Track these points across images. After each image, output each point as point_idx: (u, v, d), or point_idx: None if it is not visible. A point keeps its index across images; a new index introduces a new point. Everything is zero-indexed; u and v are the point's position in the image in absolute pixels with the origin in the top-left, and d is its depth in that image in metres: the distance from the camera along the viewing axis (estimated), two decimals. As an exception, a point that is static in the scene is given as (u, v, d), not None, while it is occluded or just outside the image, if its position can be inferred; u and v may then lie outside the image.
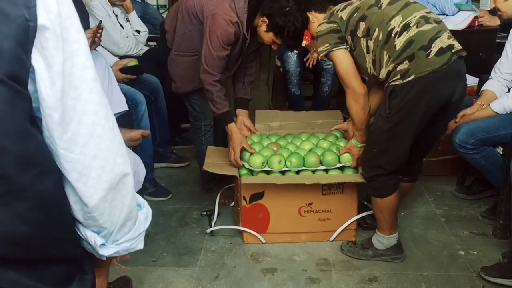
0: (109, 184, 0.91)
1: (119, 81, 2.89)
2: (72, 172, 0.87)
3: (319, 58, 2.47)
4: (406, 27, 2.20)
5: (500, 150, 2.71)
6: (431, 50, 2.15)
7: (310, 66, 3.73)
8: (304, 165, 2.64)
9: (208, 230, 2.77)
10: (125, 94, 2.70)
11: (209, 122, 2.98)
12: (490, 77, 2.84)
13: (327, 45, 2.36)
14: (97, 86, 0.88)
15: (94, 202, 0.90)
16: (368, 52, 2.31)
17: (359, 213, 2.70)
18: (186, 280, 2.41)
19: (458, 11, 3.95)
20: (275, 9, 2.57)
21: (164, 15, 4.74)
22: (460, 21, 3.78)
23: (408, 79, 2.16)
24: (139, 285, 2.37)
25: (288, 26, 2.56)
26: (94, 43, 2.58)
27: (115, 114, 2.55)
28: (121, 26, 3.49)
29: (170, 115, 3.49)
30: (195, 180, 3.35)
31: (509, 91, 2.73)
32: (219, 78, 2.62)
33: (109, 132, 0.90)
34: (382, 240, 2.50)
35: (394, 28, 2.21)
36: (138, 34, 3.67)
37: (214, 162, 2.70)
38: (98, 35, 2.59)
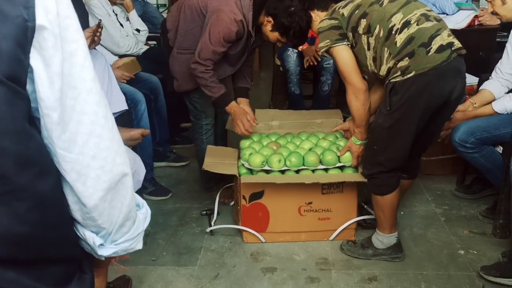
0: (108, 184, 0.91)
1: (118, 79, 2.88)
2: (71, 172, 0.87)
3: (320, 53, 2.48)
4: (406, 24, 2.21)
5: (500, 149, 2.71)
6: (431, 47, 2.16)
7: (309, 64, 3.75)
8: (304, 165, 2.64)
9: (208, 229, 2.77)
10: (124, 93, 2.70)
11: (210, 121, 2.98)
12: (490, 77, 2.84)
13: (328, 41, 2.37)
14: (96, 86, 0.88)
15: (93, 202, 0.90)
16: (369, 49, 2.32)
17: (359, 212, 2.70)
18: (186, 279, 2.41)
19: (458, 10, 3.96)
20: (280, 9, 2.59)
21: (164, 14, 4.75)
22: (460, 20, 3.78)
23: (408, 75, 2.17)
24: (138, 284, 2.37)
25: (293, 26, 2.59)
26: (94, 42, 2.57)
27: (114, 113, 2.57)
28: (121, 25, 3.49)
29: (170, 114, 3.49)
30: (195, 179, 3.35)
31: (509, 91, 2.73)
32: (211, 68, 2.64)
33: (108, 132, 0.90)
34: (382, 239, 2.50)
35: (394, 25, 2.23)
36: (138, 33, 3.67)
37: (214, 162, 2.69)
38: (98, 34, 2.59)
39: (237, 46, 2.71)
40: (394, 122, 2.25)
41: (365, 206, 2.82)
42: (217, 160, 2.73)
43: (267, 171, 2.64)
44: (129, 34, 3.55)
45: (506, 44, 2.78)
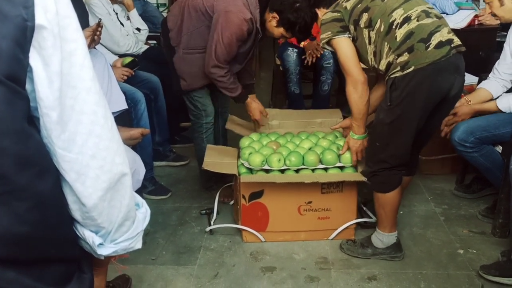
0: (107, 184, 0.91)
1: (118, 78, 2.88)
2: (70, 172, 0.87)
3: (321, 45, 2.50)
4: (407, 19, 2.24)
5: (499, 148, 2.71)
6: (431, 43, 2.18)
7: (309, 64, 3.75)
8: (303, 164, 2.64)
9: (208, 229, 2.77)
10: (124, 93, 2.70)
11: (210, 120, 2.99)
12: (488, 77, 2.84)
13: (329, 32, 2.40)
14: (96, 86, 0.88)
15: (92, 202, 0.90)
16: (370, 43, 2.34)
17: (358, 211, 2.71)
18: (186, 279, 2.41)
19: (458, 10, 3.96)
20: (286, 5, 2.63)
21: (164, 14, 4.75)
22: (460, 19, 3.78)
23: (408, 70, 2.19)
24: (138, 283, 2.37)
25: (299, 22, 2.63)
26: (94, 41, 2.57)
27: (114, 113, 2.57)
28: (122, 24, 3.49)
29: (170, 113, 3.49)
30: (194, 179, 3.35)
31: (508, 91, 2.74)
32: (228, 69, 2.73)
33: (108, 132, 0.90)
34: (382, 238, 2.50)
35: (395, 19, 2.25)
36: (138, 32, 3.67)
37: (213, 161, 2.69)
38: (98, 33, 2.59)
39: (246, 44, 2.75)
40: (395, 117, 2.27)
41: (364, 208, 2.82)
42: (216, 160, 2.73)
43: (267, 171, 2.65)
44: (130, 33, 3.55)
45: (504, 44, 2.79)
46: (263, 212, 2.61)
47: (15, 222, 0.81)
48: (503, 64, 2.77)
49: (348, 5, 2.39)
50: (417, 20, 2.22)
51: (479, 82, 3.04)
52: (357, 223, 2.70)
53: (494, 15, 2.74)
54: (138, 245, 1.03)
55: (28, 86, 0.82)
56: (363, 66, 2.45)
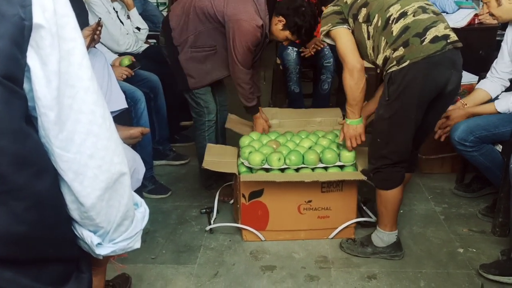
0: (105, 184, 0.90)
1: (118, 77, 2.88)
2: (68, 171, 0.87)
3: (321, 38, 2.54)
4: (403, 14, 2.27)
5: (499, 147, 2.71)
6: (426, 37, 2.21)
7: (306, 56, 3.75)
8: (303, 163, 2.64)
9: (207, 228, 2.77)
10: (124, 92, 2.70)
11: (212, 117, 2.99)
12: (486, 76, 2.84)
13: (329, 24, 2.45)
14: (94, 85, 0.88)
15: (90, 201, 0.90)
16: (368, 38, 2.37)
17: (358, 210, 2.71)
18: (185, 278, 2.41)
19: (458, 9, 3.96)
20: (292, 10, 2.72)
21: (164, 13, 4.74)
22: (460, 18, 3.78)
23: (403, 64, 2.22)
24: (138, 282, 2.37)
25: (305, 25, 2.73)
26: (94, 40, 2.57)
27: (114, 112, 2.57)
28: (121, 22, 3.48)
29: (170, 112, 3.49)
30: (194, 178, 3.35)
31: (506, 90, 2.74)
32: (252, 74, 2.84)
33: (106, 131, 0.90)
34: (382, 236, 2.50)
35: (392, 15, 2.29)
36: (138, 31, 3.67)
37: (213, 160, 2.70)
38: (98, 32, 2.58)
39: (257, 49, 2.81)
40: (394, 112, 2.28)
41: (364, 208, 2.82)
42: (216, 159, 2.73)
43: (267, 170, 2.65)
44: (129, 32, 3.54)
45: (502, 43, 2.79)
46: (263, 211, 2.61)
47: (13, 222, 0.81)
48: (501, 63, 2.77)
49: (349, 0, 2.44)
50: (414, 16, 2.26)
51: (479, 81, 3.04)
52: (357, 222, 2.70)
53: (491, 14, 2.74)
54: (137, 244, 1.03)
55: (26, 86, 0.81)
56: (367, 65, 2.47)
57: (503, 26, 3.53)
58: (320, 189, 2.58)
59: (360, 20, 2.37)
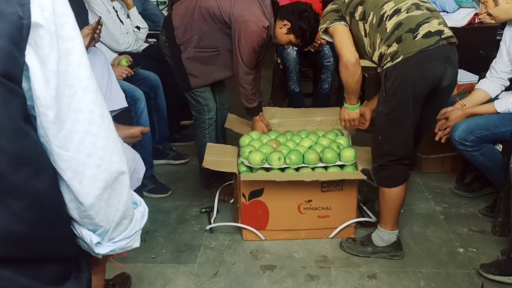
0: (104, 183, 0.90)
1: (117, 76, 2.88)
2: (67, 170, 0.87)
3: (320, 35, 2.58)
4: (397, 11, 2.31)
5: (499, 147, 2.71)
6: (418, 33, 2.24)
7: (308, 50, 3.75)
8: (303, 162, 2.64)
9: (208, 227, 2.77)
10: (124, 91, 2.70)
11: (212, 115, 3.00)
12: (485, 76, 2.84)
13: (328, 21, 2.50)
14: (93, 85, 0.88)
15: (89, 200, 0.89)
16: (365, 35, 2.41)
17: (358, 210, 2.70)
18: (185, 277, 2.41)
19: (458, 8, 3.95)
20: (297, 14, 2.76)
21: (164, 12, 4.74)
22: (460, 18, 3.77)
23: (397, 60, 2.24)
24: (138, 281, 2.37)
25: (309, 29, 2.78)
26: (93, 39, 2.57)
27: (114, 111, 2.57)
28: (121, 21, 3.48)
29: (170, 112, 3.49)
30: (194, 177, 3.35)
31: (505, 90, 2.73)
32: (255, 75, 2.86)
33: (105, 131, 0.90)
34: (382, 235, 2.50)
35: (386, 12, 2.33)
36: (138, 31, 3.66)
37: (213, 159, 2.70)
38: (98, 31, 2.58)
39: (261, 50, 2.83)
40: (392, 108, 2.30)
41: (364, 208, 2.82)
42: (217, 158, 2.73)
43: (267, 169, 2.64)
44: (129, 31, 3.54)
45: (500, 43, 2.79)
46: (263, 211, 2.61)
47: (12, 221, 0.81)
48: (500, 62, 2.77)
49: None
50: (407, 12, 2.29)
51: (479, 80, 3.03)
52: (357, 222, 2.70)
53: (489, 14, 2.74)
54: (136, 243, 1.03)
55: (24, 85, 0.81)
56: (367, 64, 2.50)
57: (503, 25, 3.53)
58: (320, 188, 2.58)
59: (357, 18, 2.41)
